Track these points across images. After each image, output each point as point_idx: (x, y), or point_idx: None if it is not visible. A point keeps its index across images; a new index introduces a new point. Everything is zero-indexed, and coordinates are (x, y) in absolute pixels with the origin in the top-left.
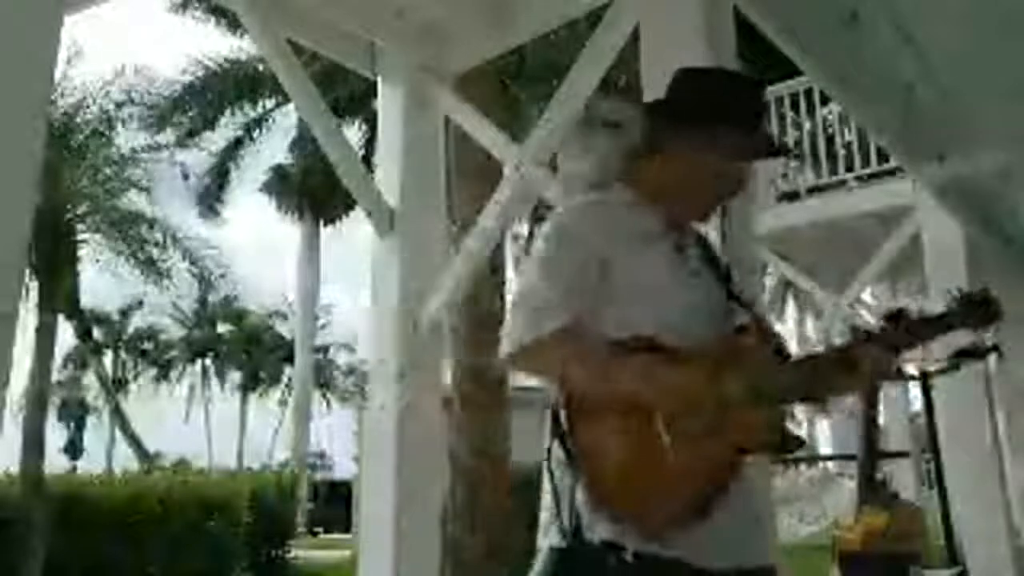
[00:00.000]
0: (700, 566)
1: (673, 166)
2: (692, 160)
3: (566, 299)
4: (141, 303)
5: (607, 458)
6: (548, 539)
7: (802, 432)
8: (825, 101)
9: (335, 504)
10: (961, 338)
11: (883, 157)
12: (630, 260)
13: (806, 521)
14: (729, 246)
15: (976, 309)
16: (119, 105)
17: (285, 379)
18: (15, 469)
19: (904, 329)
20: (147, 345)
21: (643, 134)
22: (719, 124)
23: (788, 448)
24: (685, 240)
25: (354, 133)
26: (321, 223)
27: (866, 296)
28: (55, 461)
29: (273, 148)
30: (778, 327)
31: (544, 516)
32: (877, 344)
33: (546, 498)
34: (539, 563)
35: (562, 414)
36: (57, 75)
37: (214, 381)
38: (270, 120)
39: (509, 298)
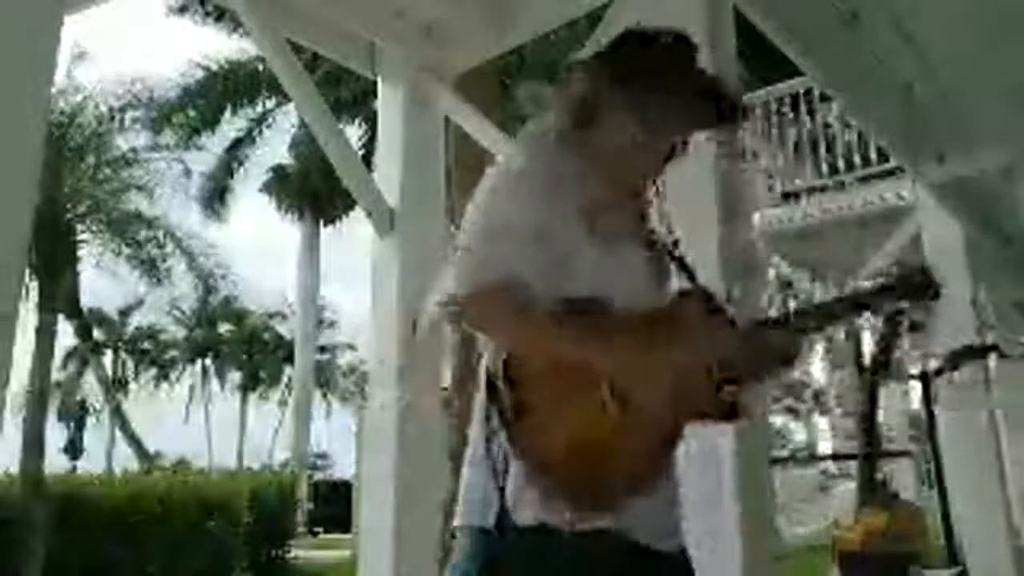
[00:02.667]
0: (634, 539)
1: (610, 132)
2: (629, 127)
3: (511, 253)
4: (142, 302)
5: (547, 426)
6: (469, 518)
7: (747, 400)
8: (825, 101)
9: (335, 504)
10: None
11: (883, 157)
12: (570, 225)
13: (806, 521)
14: (729, 247)
15: (914, 283)
16: (120, 106)
17: (285, 379)
18: (15, 469)
19: (849, 299)
20: (147, 345)
21: (584, 99)
22: (659, 91)
23: (736, 416)
24: (623, 208)
25: (354, 132)
26: (321, 223)
27: None
28: (55, 461)
29: (273, 148)
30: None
31: (465, 491)
32: (813, 312)
33: (469, 471)
34: (465, 545)
35: (499, 378)
36: (59, 75)
37: (214, 381)
38: (270, 120)
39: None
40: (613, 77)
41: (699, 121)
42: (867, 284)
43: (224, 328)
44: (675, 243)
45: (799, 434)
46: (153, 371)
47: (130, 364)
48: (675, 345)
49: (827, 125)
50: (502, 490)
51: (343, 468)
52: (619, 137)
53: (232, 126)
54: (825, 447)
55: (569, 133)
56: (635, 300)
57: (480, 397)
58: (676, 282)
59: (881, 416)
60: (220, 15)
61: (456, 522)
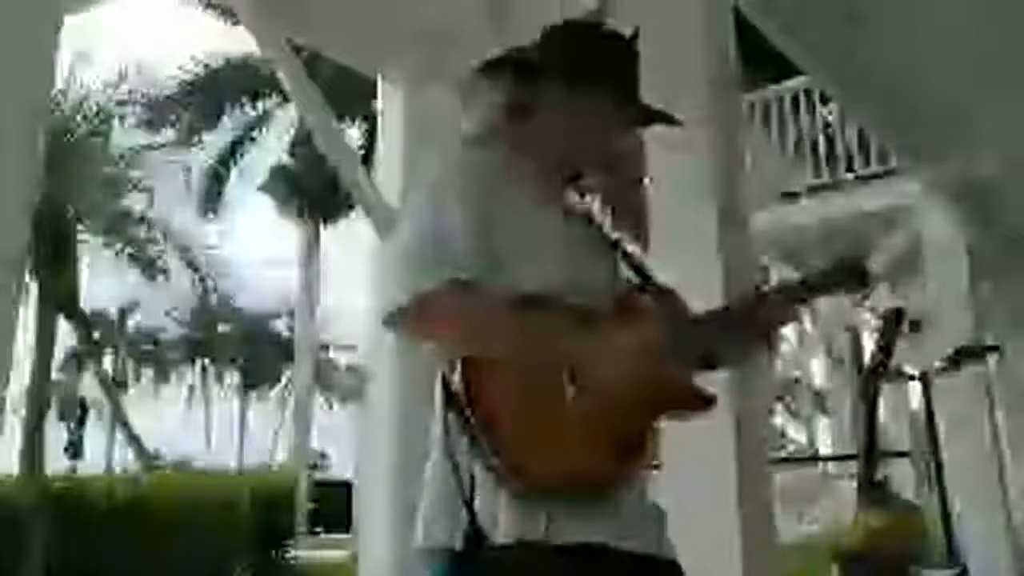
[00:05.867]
0: (619, 547)
1: (546, 127)
2: (564, 123)
3: (460, 252)
4: (138, 302)
5: (516, 422)
6: (435, 537)
7: (710, 390)
8: (825, 101)
9: (335, 504)
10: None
11: (883, 157)
12: (513, 220)
13: (806, 521)
14: (727, 247)
15: (851, 272)
16: (119, 104)
17: (285, 379)
18: (15, 469)
19: (796, 285)
20: (147, 345)
21: (518, 92)
22: (591, 87)
23: (701, 408)
24: (566, 205)
25: (354, 131)
26: (321, 223)
27: None
28: (55, 461)
29: (274, 148)
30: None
31: (428, 509)
32: (773, 298)
33: (430, 487)
34: (433, 569)
35: (457, 380)
36: (59, 74)
37: (214, 381)
38: (271, 119)
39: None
40: (544, 68)
41: (628, 119)
42: (810, 272)
43: (224, 328)
44: (615, 242)
45: (799, 434)
46: (153, 371)
47: (130, 364)
48: (641, 337)
49: (827, 125)
50: (471, 506)
51: (343, 468)
52: (552, 128)
53: (232, 124)
54: (825, 447)
55: (502, 131)
56: (580, 286)
57: (438, 407)
58: (622, 273)
59: (881, 416)
60: (219, 8)
61: (419, 543)
